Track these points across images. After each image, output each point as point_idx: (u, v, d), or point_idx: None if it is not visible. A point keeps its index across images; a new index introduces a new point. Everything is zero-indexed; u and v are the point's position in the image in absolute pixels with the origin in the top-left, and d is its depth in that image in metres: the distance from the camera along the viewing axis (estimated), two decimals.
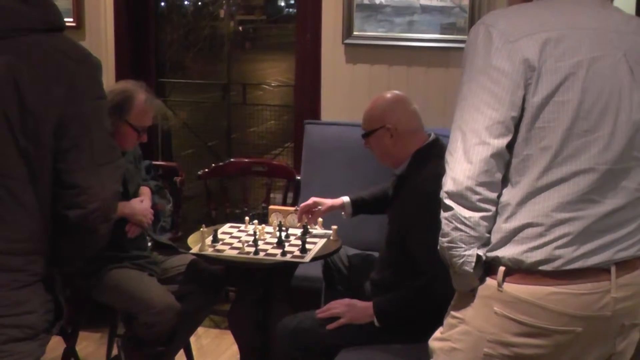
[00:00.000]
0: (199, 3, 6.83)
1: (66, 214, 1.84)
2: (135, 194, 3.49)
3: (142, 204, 3.45)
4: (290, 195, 4.18)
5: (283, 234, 3.33)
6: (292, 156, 4.75)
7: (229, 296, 4.41)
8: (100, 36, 4.19)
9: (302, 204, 3.44)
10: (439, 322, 2.15)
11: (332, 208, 3.38)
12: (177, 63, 5.75)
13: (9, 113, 1.75)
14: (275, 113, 6.43)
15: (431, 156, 2.87)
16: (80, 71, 1.84)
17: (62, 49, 1.84)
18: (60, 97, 1.78)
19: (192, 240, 3.36)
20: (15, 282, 1.83)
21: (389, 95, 3.07)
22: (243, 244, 3.24)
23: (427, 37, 4.20)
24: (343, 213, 3.39)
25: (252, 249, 3.21)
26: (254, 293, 3.37)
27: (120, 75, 4.17)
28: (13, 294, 1.83)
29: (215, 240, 3.30)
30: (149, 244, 3.56)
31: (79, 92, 1.82)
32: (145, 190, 3.56)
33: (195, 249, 3.26)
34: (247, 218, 3.54)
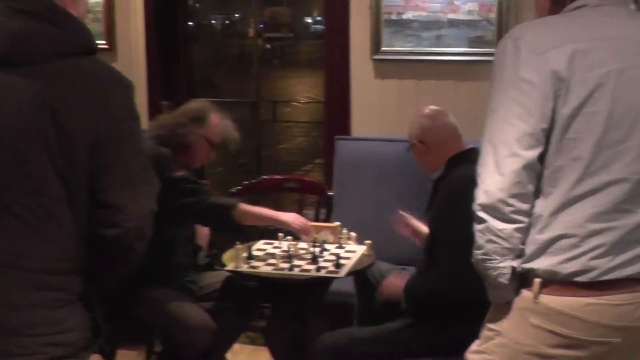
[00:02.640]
0: (227, 22, 6.87)
1: (102, 232, 1.86)
2: None
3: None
4: (322, 211, 4.21)
5: (317, 249, 3.35)
6: (323, 172, 4.77)
7: (265, 312, 4.43)
8: (131, 58, 4.26)
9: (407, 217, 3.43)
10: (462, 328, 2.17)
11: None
12: (207, 82, 5.80)
13: (46, 135, 1.78)
14: (304, 129, 6.45)
15: (464, 161, 2.92)
16: (114, 93, 1.87)
17: (95, 72, 1.88)
18: (95, 119, 1.81)
19: (227, 257, 3.40)
20: (56, 300, 1.86)
21: (424, 111, 3.18)
22: (278, 260, 3.28)
23: (455, 51, 4.21)
24: (418, 242, 3.40)
25: (287, 265, 3.23)
26: (289, 309, 3.40)
27: (152, 96, 4.23)
28: (54, 313, 1.86)
29: (250, 257, 3.34)
30: (186, 261, 3.59)
31: (113, 113, 1.85)
32: None
33: (230, 266, 3.30)
34: (280, 234, 3.57)
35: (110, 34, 4.21)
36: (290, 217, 3.45)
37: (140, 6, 4.22)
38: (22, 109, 1.78)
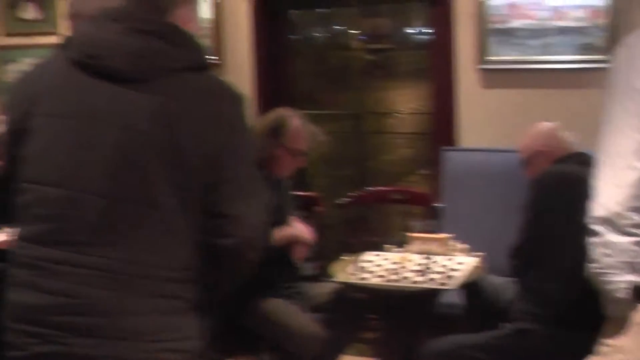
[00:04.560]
0: (328, 35, 6.91)
1: (217, 242, 1.91)
2: (285, 222, 3.57)
3: (299, 225, 3.53)
4: (430, 222, 4.18)
5: (426, 261, 3.34)
6: (428, 183, 4.74)
7: (373, 324, 4.43)
8: (239, 72, 4.34)
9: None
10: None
11: None
12: (309, 95, 5.85)
13: (163, 149, 1.84)
14: (407, 140, 6.43)
15: (569, 161, 2.91)
16: (227, 106, 1.93)
17: (209, 87, 1.93)
18: (210, 133, 1.87)
19: (335, 268, 3.42)
20: (174, 308, 1.90)
21: (540, 128, 3.24)
22: (387, 272, 3.28)
23: (564, 59, 4.12)
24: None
25: (396, 277, 3.23)
26: (398, 320, 3.40)
27: (260, 109, 4.29)
28: (172, 320, 1.90)
29: (359, 268, 3.35)
30: (295, 273, 3.63)
31: (226, 126, 1.90)
32: (294, 219, 3.64)
33: (339, 278, 3.32)
34: (389, 246, 3.57)
35: (219, 48, 4.30)
36: (300, 229, 3.47)
37: (247, 21, 4.30)
38: (141, 124, 1.84)
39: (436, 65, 4.42)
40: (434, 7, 4.36)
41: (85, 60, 1.88)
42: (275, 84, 4.50)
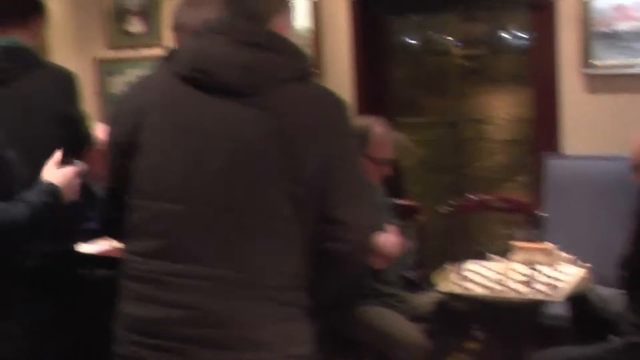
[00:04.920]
0: (425, 40, 6.86)
1: (330, 247, 1.94)
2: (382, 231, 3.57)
3: (388, 237, 3.51)
4: (533, 231, 4.10)
5: (531, 271, 3.27)
6: (527, 191, 4.66)
7: (476, 334, 4.37)
8: (339, 80, 4.35)
9: None
10: None
11: None
12: (407, 101, 5.82)
13: (278, 159, 1.86)
14: (503, 147, 6.32)
15: None
16: (335, 114, 1.95)
17: (316, 95, 1.96)
18: (322, 141, 1.89)
19: (438, 278, 3.39)
20: (289, 315, 1.93)
21: None
22: (491, 282, 3.23)
23: None
24: None
25: (500, 287, 3.18)
26: (502, 331, 3.34)
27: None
28: (289, 327, 1.93)
29: (462, 278, 3.31)
30: (398, 281, 3.62)
31: (336, 133, 1.93)
32: (391, 228, 3.62)
33: (442, 287, 3.28)
34: (492, 255, 3.51)
35: (319, 57, 4.32)
36: (380, 241, 3.33)
37: (346, 30, 4.31)
38: (255, 136, 1.86)
39: (538, 70, 4.33)
40: (536, 11, 4.28)
41: (194, 75, 1.90)
42: (374, 91, 4.50)
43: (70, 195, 2.40)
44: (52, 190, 2.34)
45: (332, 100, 1.97)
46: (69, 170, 2.44)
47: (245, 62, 1.88)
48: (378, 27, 4.51)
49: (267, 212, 1.88)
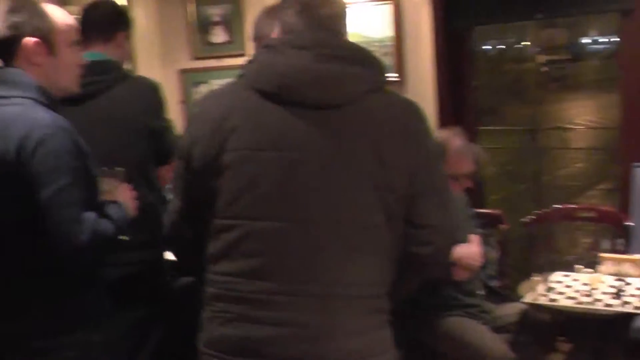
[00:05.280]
0: (501, 47, 6.80)
1: (418, 251, 1.98)
2: (465, 241, 3.54)
3: (470, 248, 3.49)
4: (621, 242, 4.01)
5: (620, 283, 3.20)
6: (609, 199, 4.56)
7: (561, 346, 4.29)
8: (420, 89, 4.33)
9: None
10: None
11: None
12: (487, 109, 5.77)
13: (371, 170, 1.88)
14: (584, 154, 6.23)
15: None
16: (417, 122, 1.98)
17: (399, 105, 1.98)
18: (409, 148, 1.92)
19: (524, 288, 3.34)
20: (381, 323, 1.96)
21: None
22: (578, 294, 3.17)
23: None
24: None
25: (588, 299, 3.12)
26: (589, 344, 3.27)
27: (441, 125, 4.27)
28: (382, 334, 1.97)
29: (548, 289, 3.26)
30: (481, 292, 3.58)
31: (419, 141, 1.95)
32: (474, 238, 3.60)
33: (528, 298, 3.24)
34: (578, 266, 3.45)
35: (400, 66, 4.32)
36: (462, 252, 3.33)
37: (429, 37, 4.29)
38: (346, 149, 1.88)
39: (626, 77, 4.23)
40: (625, 16, 4.18)
41: (279, 91, 1.89)
42: (455, 99, 4.46)
43: (131, 212, 2.42)
44: (124, 206, 2.37)
45: (413, 109, 1.99)
46: (127, 188, 2.46)
47: (333, 76, 1.89)
48: (459, 35, 4.47)
49: (363, 223, 1.90)
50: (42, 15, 2.24)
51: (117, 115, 2.90)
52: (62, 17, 2.30)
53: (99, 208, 2.22)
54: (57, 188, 2.08)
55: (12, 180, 2.09)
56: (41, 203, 2.08)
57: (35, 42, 2.21)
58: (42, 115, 2.13)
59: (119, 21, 3.09)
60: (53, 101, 2.24)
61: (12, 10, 2.21)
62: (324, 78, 1.88)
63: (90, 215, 2.13)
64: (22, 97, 2.17)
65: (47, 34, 2.24)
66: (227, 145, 1.89)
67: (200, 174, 1.94)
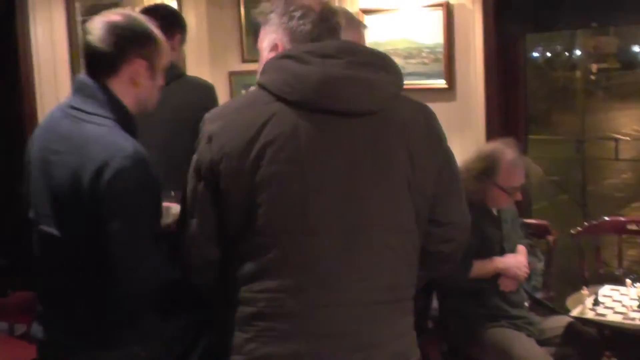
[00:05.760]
0: (548, 54, 6.73)
1: (442, 249, 2.05)
2: (512, 252, 3.52)
3: (516, 258, 3.47)
4: None
5: None
6: None
7: None
8: (470, 96, 4.30)
9: None
10: None
11: None
12: (535, 117, 5.72)
13: (407, 174, 1.90)
14: (631, 165, 6.16)
15: None
16: (435, 122, 2.01)
17: (416, 107, 2.00)
18: (433, 149, 1.96)
19: (571, 301, 3.30)
20: (412, 323, 2.00)
21: None
22: (627, 309, 3.13)
23: None
24: None
25: (638, 315, 3.07)
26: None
27: (490, 134, 4.24)
28: (414, 335, 2.00)
29: (597, 303, 3.22)
30: (526, 303, 3.55)
31: (441, 141, 2.00)
32: (521, 249, 3.57)
33: (575, 312, 3.20)
34: (628, 280, 3.40)
35: (449, 73, 4.29)
36: (508, 263, 3.37)
37: (480, 44, 4.26)
38: (387, 153, 1.89)
39: None
40: None
41: (315, 100, 1.85)
42: (505, 107, 4.42)
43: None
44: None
45: (429, 111, 2.03)
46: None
47: (367, 83, 1.88)
48: (510, 43, 4.44)
49: (405, 227, 1.93)
50: (153, 38, 2.21)
51: (177, 115, 2.95)
52: (163, 39, 2.27)
53: (166, 239, 2.14)
54: (126, 223, 2.03)
55: (82, 200, 2.05)
56: (108, 234, 2.03)
57: (145, 65, 2.19)
58: (124, 143, 2.07)
59: (177, 24, 3.12)
60: (134, 126, 2.19)
61: (122, 27, 2.16)
62: (358, 85, 1.87)
63: (155, 259, 2.08)
64: (105, 117, 2.13)
65: (154, 58, 2.21)
66: (263, 159, 1.82)
67: (231, 192, 1.86)
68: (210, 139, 1.88)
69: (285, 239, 1.84)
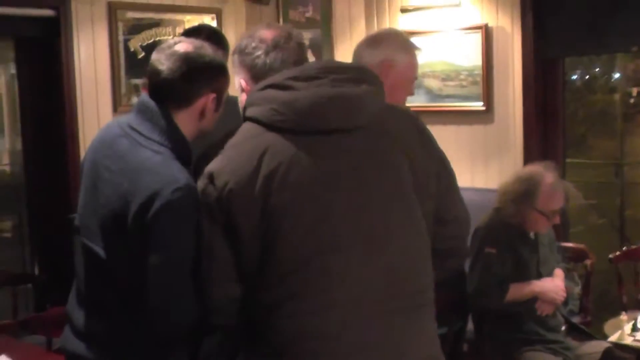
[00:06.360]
0: (587, 77, 6.71)
1: (447, 246, 2.09)
2: (549, 276, 3.49)
3: (553, 282, 3.45)
4: None
5: None
6: None
7: None
8: (508, 118, 4.30)
9: None
10: None
11: None
12: (573, 141, 5.69)
13: (409, 180, 1.93)
14: None
15: None
16: (423, 126, 2.07)
17: (403, 114, 2.07)
18: (428, 152, 2.02)
19: (609, 327, 3.28)
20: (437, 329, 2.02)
21: None
22: None
23: None
24: None
25: None
26: None
27: (527, 157, 4.23)
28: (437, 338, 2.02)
29: (635, 328, 3.19)
30: (563, 328, 3.52)
31: (433, 143, 2.06)
32: (558, 272, 3.55)
33: (613, 337, 3.17)
34: None
35: (487, 96, 4.29)
36: (545, 286, 3.35)
37: (519, 67, 4.26)
38: (388, 163, 1.92)
39: None
40: None
41: (308, 124, 1.86)
42: (544, 130, 4.40)
43: None
44: None
45: (417, 116, 2.09)
46: None
47: (355, 98, 1.89)
48: (548, 66, 4.43)
49: (419, 232, 1.95)
50: (224, 71, 2.15)
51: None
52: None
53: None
54: (166, 260, 1.98)
55: (127, 226, 2.01)
56: (147, 267, 1.98)
57: (214, 98, 2.12)
58: (177, 175, 1.99)
59: (220, 44, 3.16)
60: (189, 156, 2.11)
61: (195, 59, 2.09)
62: (347, 101, 1.88)
63: (188, 301, 2.00)
64: (161, 145, 2.06)
65: (223, 90, 2.15)
66: (272, 187, 1.82)
67: (244, 225, 1.85)
68: (211, 178, 1.88)
69: (306, 261, 1.83)
